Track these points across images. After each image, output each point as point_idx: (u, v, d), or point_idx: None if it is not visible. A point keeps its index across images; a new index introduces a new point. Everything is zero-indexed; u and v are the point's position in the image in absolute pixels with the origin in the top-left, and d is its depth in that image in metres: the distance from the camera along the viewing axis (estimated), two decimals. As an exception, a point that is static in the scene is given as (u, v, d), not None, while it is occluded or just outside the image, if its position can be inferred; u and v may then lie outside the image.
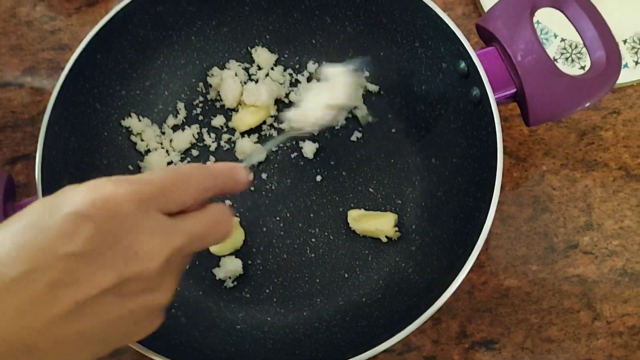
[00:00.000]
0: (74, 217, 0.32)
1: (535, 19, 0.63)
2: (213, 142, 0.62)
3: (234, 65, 0.64)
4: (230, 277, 0.57)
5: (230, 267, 0.57)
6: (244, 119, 0.61)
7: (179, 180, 0.36)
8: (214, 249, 0.57)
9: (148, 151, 0.61)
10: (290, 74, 0.63)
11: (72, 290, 0.31)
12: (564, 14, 0.53)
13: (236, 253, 0.58)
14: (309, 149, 0.60)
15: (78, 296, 0.31)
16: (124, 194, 0.33)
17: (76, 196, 0.33)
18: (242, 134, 0.62)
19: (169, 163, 0.61)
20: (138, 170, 0.60)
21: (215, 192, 0.38)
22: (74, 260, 0.31)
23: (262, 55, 0.63)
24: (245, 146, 0.60)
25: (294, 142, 0.61)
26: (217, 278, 0.57)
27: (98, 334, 0.33)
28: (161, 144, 0.61)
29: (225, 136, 0.62)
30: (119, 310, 0.33)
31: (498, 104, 0.52)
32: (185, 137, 0.61)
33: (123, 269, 0.32)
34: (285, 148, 0.61)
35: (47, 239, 0.31)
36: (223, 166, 0.39)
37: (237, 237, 0.58)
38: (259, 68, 0.64)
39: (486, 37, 0.55)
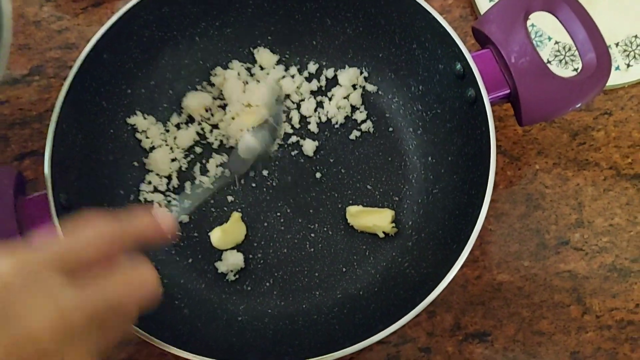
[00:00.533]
0: None
1: (529, 22, 0.65)
2: (215, 139, 0.63)
3: (236, 65, 0.65)
4: (232, 271, 0.59)
5: (232, 261, 0.58)
6: (245, 117, 0.63)
7: (83, 243, 0.34)
8: (216, 243, 0.59)
9: (152, 148, 0.63)
10: (292, 76, 0.65)
11: None
12: (557, 17, 0.55)
13: (238, 247, 0.60)
14: (309, 146, 0.62)
15: None
16: (10, 265, 0.32)
17: None
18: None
19: (173, 160, 0.62)
20: (143, 166, 0.62)
21: (132, 242, 0.36)
22: None
23: (264, 56, 0.65)
24: (248, 141, 0.62)
25: (295, 141, 0.63)
26: (219, 271, 0.59)
27: None
28: (165, 141, 0.63)
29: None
30: None
31: (492, 104, 0.54)
32: (188, 135, 0.63)
33: (9, 340, 0.30)
34: (285, 146, 0.63)
35: None
36: (143, 215, 0.37)
37: (239, 231, 0.60)
38: (261, 68, 0.65)
39: (481, 39, 0.57)
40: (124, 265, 0.35)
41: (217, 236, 0.59)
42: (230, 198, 0.61)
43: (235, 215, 0.60)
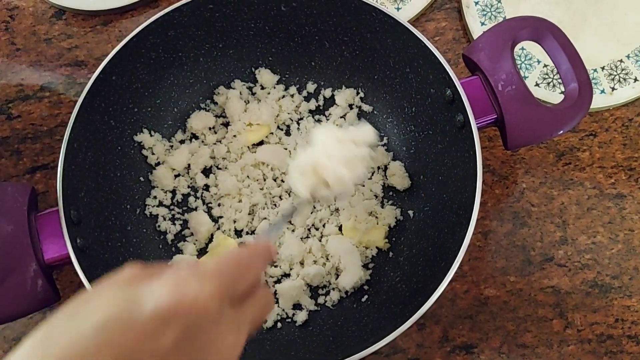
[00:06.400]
0: (161, 318, 0.32)
1: (519, 46, 0.67)
2: (218, 155, 0.66)
3: (238, 84, 0.68)
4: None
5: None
6: (247, 135, 0.66)
7: (242, 271, 0.37)
8: None
9: (158, 164, 0.66)
10: (292, 95, 0.68)
11: None
12: (542, 47, 0.58)
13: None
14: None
15: None
16: (209, 293, 0.33)
17: (160, 294, 0.33)
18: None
19: (177, 176, 0.65)
20: (148, 182, 0.65)
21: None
22: (156, 358, 0.32)
23: (265, 76, 0.68)
24: (248, 159, 0.65)
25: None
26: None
27: None
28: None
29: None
30: None
31: (480, 129, 0.57)
32: (191, 151, 0.66)
33: None
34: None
35: (131, 337, 0.31)
36: (262, 248, 0.41)
37: (230, 247, 0.62)
38: (262, 87, 0.69)
39: (471, 66, 0.60)
40: (258, 290, 0.39)
41: None
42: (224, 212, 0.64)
43: (219, 236, 0.63)
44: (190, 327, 0.33)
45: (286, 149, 0.66)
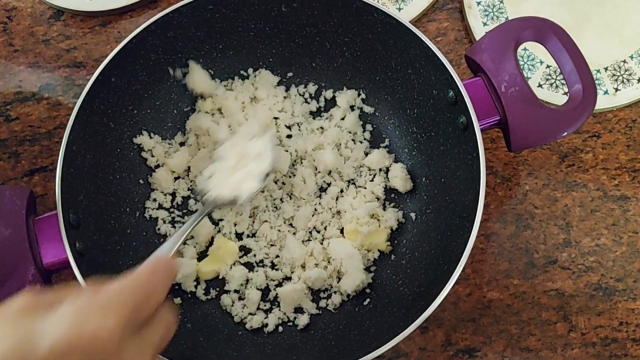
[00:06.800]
0: (58, 355, 0.31)
1: (522, 47, 0.67)
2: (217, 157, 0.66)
3: (238, 86, 0.68)
4: (241, 284, 0.61)
5: (237, 276, 0.61)
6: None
7: (146, 296, 0.37)
8: (208, 275, 0.61)
9: (157, 166, 0.65)
10: (293, 96, 0.68)
11: None
12: (546, 48, 0.57)
13: (241, 263, 0.62)
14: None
15: None
16: (110, 326, 0.33)
17: (57, 328, 0.31)
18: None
19: (177, 178, 0.65)
20: (148, 184, 0.64)
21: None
22: None
23: (266, 77, 0.68)
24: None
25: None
26: (224, 288, 0.61)
27: None
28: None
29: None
30: None
31: (483, 130, 0.56)
32: (191, 153, 0.66)
33: None
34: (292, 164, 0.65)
35: None
36: (163, 265, 0.40)
37: (228, 250, 0.62)
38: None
39: (473, 67, 0.60)
40: (162, 311, 0.39)
41: (207, 269, 0.61)
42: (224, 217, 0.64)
43: (219, 239, 0.62)
44: (90, 358, 0.32)
45: (287, 151, 0.65)
